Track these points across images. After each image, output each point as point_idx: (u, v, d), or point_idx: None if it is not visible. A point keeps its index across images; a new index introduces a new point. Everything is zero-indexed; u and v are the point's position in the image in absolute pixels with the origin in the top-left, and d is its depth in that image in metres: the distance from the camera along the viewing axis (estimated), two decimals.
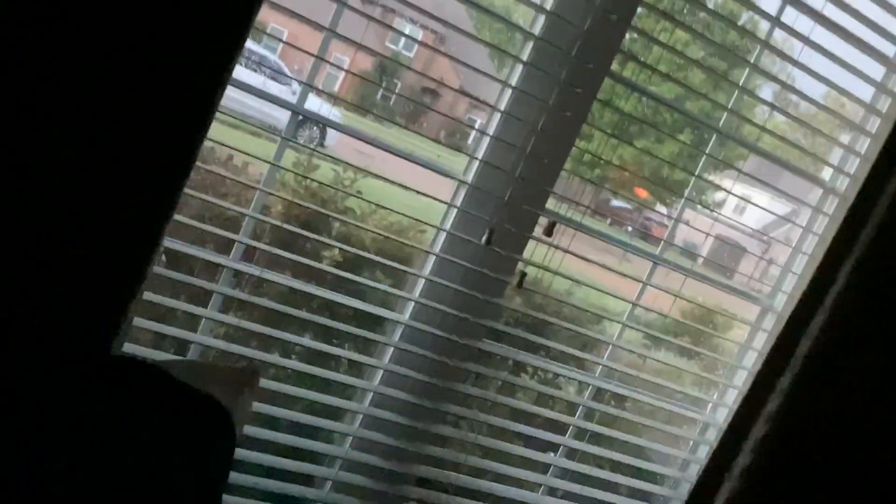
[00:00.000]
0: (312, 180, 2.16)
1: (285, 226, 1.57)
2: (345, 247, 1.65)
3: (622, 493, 1.96)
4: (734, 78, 1.77)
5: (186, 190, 1.18)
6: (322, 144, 2.68)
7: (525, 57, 1.57)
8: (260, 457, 1.58)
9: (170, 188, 1.12)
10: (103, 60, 1.06)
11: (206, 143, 1.18)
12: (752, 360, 1.96)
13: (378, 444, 1.66)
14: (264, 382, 1.53)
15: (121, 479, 0.90)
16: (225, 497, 1.13)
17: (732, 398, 1.97)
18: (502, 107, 1.58)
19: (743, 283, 2.22)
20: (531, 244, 1.67)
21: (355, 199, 2.19)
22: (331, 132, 2.60)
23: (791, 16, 1.69)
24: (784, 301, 1.94)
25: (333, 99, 2.06)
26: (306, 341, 1.69)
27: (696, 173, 1.80)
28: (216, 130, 1.22)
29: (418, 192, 1.56)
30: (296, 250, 1.56)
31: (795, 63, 1.72)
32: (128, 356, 1.28)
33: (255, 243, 1.53)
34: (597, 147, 1.69)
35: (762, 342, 1.95)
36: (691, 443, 2.01)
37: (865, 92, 1.85)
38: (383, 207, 1.72)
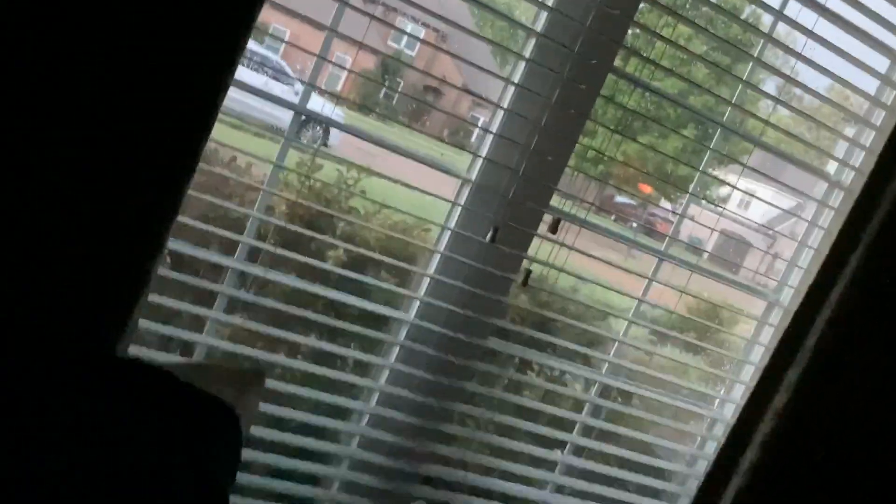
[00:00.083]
0: (316, 180, 2.16)
1: (290, 226, 1.57)
2: (349, 246, 1.65)
3: (630, 490, 1.95)
4: (737, 72, 1.76)
5: (190, 191, 1.18)
6: (325, 144, 2.68)
7: (527, 54, 1.56)
8: (267, 457, 1.59)
9: (173, 189, 1.12)
10: (105, 61, 1.06)
11: (210, 145, 1.18)
12: (758, 355, 1.95)
13: (385, 443, 1.66)
14: (270, 383, 1.52)
15: (120, 478, 0.90)
16: (233, 498, 1.13)
17: (740, 393, 1.97)
18: (505, 104, 1.58)
19: (749, 277, 2.22)
20: (536, 241, 1.66)
21: (359, 198, 2.19)
22: (334, 132, 2.60)
23: (794, 9, 1.68)
24: (790, 295, 1.93)
25: (336, 98, 2.06)
26: (312, 341, 1.69)
27: (701, 168, 1.79)
28: (219, 132, 1.22)
29: (422, 191, 1.56)
30: (300, 251, 1.55)
31: (799, 56, 1.71)
32: (133, 358, 1.28)
33: (259, 244, 1.53)
34: (600, 143, 1.69)
35: (769, 337, 1.94)
36: (699, 439, 2.01)
37: (870, 84, 1.84)
38: (387, 206, 1.72)
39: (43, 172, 1.07)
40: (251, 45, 1.17)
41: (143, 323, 1.40)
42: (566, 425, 1.87)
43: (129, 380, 1.05)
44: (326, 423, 1.64)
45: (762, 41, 1.72)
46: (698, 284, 1.93)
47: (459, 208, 1.61)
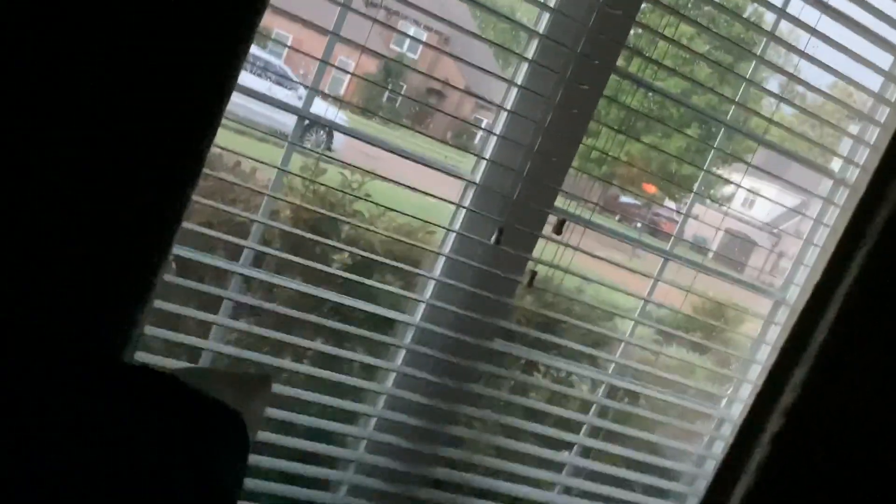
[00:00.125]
0: (320, 184, 2.16)
1: (294, 230, 1.57)
2: (354, 250, 1.65)
3: (638, 491, 1.95)
4: (740, 71, 1.76)
5: (195, 197, 1.19)
6: (329, 148, 2.68)
7: (530, 55, 1.56)
8: (274, 462, 1.59)
9: (178, 194, 1.12)
10: (109, 65, 1.06)
11: (214, 150, 1.18)
12: (765, 355, 1.95)
13: (392, 446, 1.66)
14: (277, 387, 1.53)
15: (119, 479, 0.90)
16: (241, 503, 1.13)
17: (747, 393, 1.96)
18: (508, 106, 1.58)
19: (754, 276, 2.21)
20: (541, 243, 1.66)
21: (363, 202, 2.19)
22: (338, 136, 2.60)
23: (797, 7, 1.68)
24: (797, 294, 1.93)
25: (339, 102, 2.06)
26: (318, 345, 1.69)
27: (705, 167, 1.79)
28: (223, 137, 1.22)
29: (426, 194, 1.56)
30: (305, 255, 1.55)
31: (802, 54, 1.71)
32: (139, 364, 1.29)
33: (264, 249, 1.53)
34: (604, 144, 1.69)
35: (775, 336, 1.94)
36: (707, 438, 2.00)
37: (874, 81, 1.84)
38: (392, 210, 1.72)
39: (48, 176, 1.07)
40: (255, 50, 1.18)
41: (150, 329, 1.40)
42: (573, 426, 1.86)
43: (132, 383, 1.06)
44: (333, 426, 1.64)
45: (765, 40, 1.72)
46: (703, 284, 1.92)
47: (464, 211, 1.61)
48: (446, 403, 1.67)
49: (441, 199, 1.59)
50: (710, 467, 1.97)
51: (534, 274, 1.65)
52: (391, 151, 1.55)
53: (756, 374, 1.95)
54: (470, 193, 1.61)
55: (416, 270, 1.67)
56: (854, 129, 1.91)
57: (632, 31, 1.60)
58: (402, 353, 1.65)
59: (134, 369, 1.13)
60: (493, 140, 1.60)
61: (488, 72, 1.60)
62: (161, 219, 1.13)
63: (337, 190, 2.19)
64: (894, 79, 1.83)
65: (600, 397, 1.86)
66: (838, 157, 1.90)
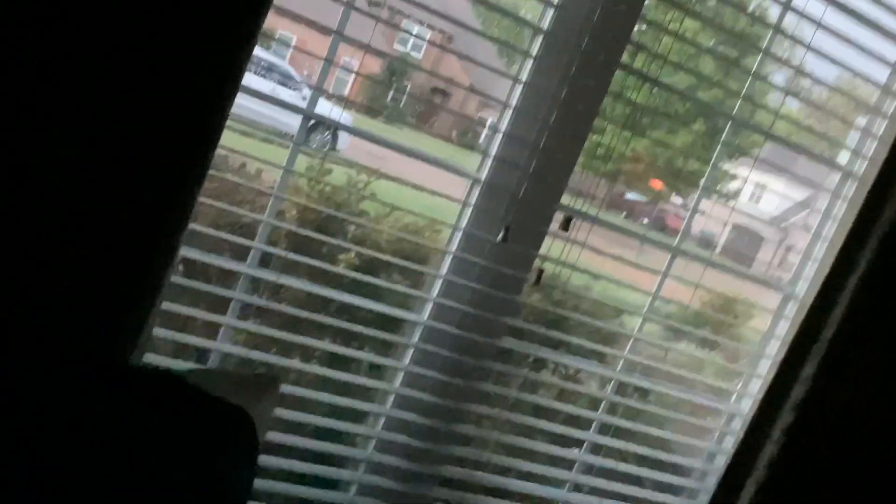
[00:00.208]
0: (326, 184, 2.16)
1: (301, 230, 1.57)
2: (361, 249, 1.65)
3: (648, 487, 1.94)
4: (745, 65, 1.75)
5: (201, 198, 1.19)
6: (334, 149, 2.68)
7: (534, 52, 1.56)
8: (284, 462, 1.59)
9: (184, 195, 1.12)
10: (112, 67, 1.06)
11: (220, 152, 1.18)
12: (774, 349, 1.94)
13: (402, 445, 1.66)
14: (286, 388, 1.53)
15: (118, 479, 0.90)
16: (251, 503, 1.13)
17: (757, 388, 1.95)
18: (513, 103, 1.57)
19: (762, 271, 2.21)
20: (547, 241, 1.66)
21: (369, 201, 2.19)
22: (342, 136, 2.60)
23: (801, 0, 1.67)
24: (805, 288, 1.92)
25: (344, 102, 2.07)
26: (326, 345, 1.70)
27: (711, 162, 1.78)
28: (228, 139, 1.22)
29: (432, 192, 1.56)
30: (312, 255, 1.56)
31: (807, 47, 1.70)
32: (147, 365, 1.29)
33: (271, 249, 1.53)
34: (609, 140, 1.68)
35: (784, 330, 1.93)
36: (717, 434, 1.99)
37: (880, 73, 1.83)
38: (398, 209, 1.72)
39: (57, 178, 1.07)
40: (259, 51, 1.18)
41: (157, 331, 1.41)
42: (582, 423, 1.86)
43: (136, 384, 1.06)
44: (343, 426, 1.64)
45: (769, 34, 1.71)
46: (711, 279, 1.92)
47: (470, 209, 1.61)
48: (455, 402, 1.67)
49: (447, 197, 1.58)
50: (721, 463, 1.96)
51: (541, 271, 1.65)
52: (396, 150, 1.55)
53: (765, 369, 1.95)
54: (476, 191, 1.61)
55: (424, 269, 1.67)
56: (861, 121, 1.90)
57: (636, 27, 1.59)
58: (410, 351, 1.65)
59: (139, 370, 1.13)
60: (498, 138, 1.59)
61: (493, 69, 1.60)
62: (167, 220, 1.13)
63: (343, 190, 2.19)
64: None
65: (610, 394, 1.85)
66: (846, 149, 1.89)
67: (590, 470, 1.87)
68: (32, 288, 1.09)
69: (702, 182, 1.81)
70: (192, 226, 1.28)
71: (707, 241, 2.49)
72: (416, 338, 1.65)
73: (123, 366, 1.16)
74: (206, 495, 0.98)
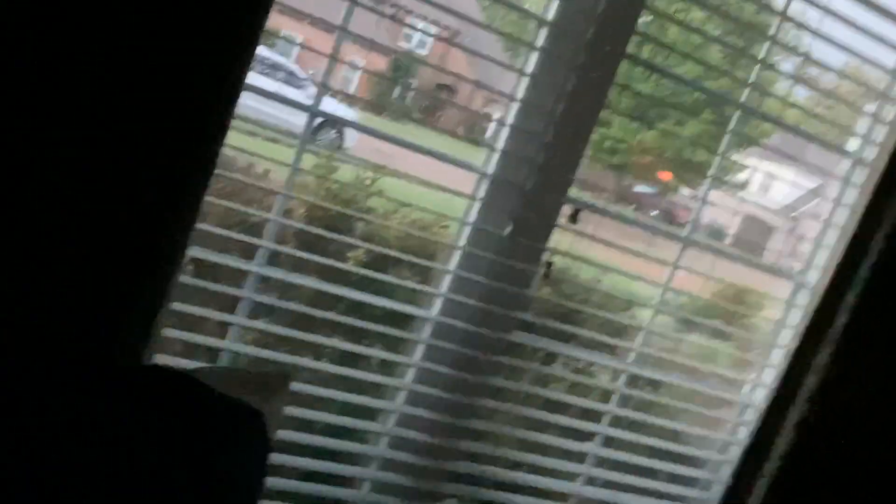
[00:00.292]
0: (334, 181, 2.16)
1: (309, 228, 1.57)
2: (370, 246, 1.64)
3: (662, 479, 1.94)
4: (753, 54, 1.74)
5: (209, 198, 1.19)
6: (341, 146, 2.69)
7: (539, 44, 1.55)
8: (296, 461, 1.59)
9: (191, 195, 1.12)
10: (115, 67, 1.07)
11: (227, 152, 1.19)
12: (787, 338, 1.93)
13: (414, 441, 1.66)
14: (297, 386, 1.53)
15: (118, 480, 0.90)
16: (263, 502, 1.13)
17: (770, 378, 1.94)
18: (519, 96, 1.57)
19: (773, 260, 2.19)
20: (556, 234, 1.65)
21: (377, 198, 2.19)
22: (349, 134, 2.60)
23: None
24: (817, 276, 1.91)
25: (350, 99, 2.07)
26: (336, 343, 1.69)
27: (720, 152, 1.77)
28: (235, 139, 1.22)
29: (440, 188, 1.56)
30: (320, 253, 1.55)
31: (815, 33, 1.69)
32: (158, 365, 1.29)
33: (280, 248, 1.53)
34: (617, 132, 1.67)
35: (797, 319, 1.92)
36: (730, 425, 1.98)
37: (888, 58, 1.82)
38: (406, 205, 1.71)
39: (55, 178, 1.08)
40: (265, 51, 1.18)
41: (168, 331, 1.41)
42: (594, 416, 1.85)
43: (143, 384, 1.06)
44: (354, 423, 1.64)
45: (776, 22, 1.70)
46: (722, 270, 1.91)
47: (478, 203, 1.60)
48: (466, 397, 1.66)
49: (454, 192, 1.58)
50: (735, 454, 1.95)
51: (550, 265, 1.64)
52: (403, 146, 1.54)
53: (778, 359, 1.93)
54: (483, 186, 1.60)
55: (432, 264, 1.67)
56: (870, 107, 1.88)
57: (642, 17, 1.58)
58: (421, 347, 1.65)
59: (148, 370, 1.14)
60: (504, 132, 1.59)
61: (498, 62, 1.59)
62: (170, 220, 1.13)
63: (350, 187, 2.20)
64: None
65: (622, 386, 1.84)
66: (856, 136, 1.87)
67: (602, 463, 1.86)
68: (34, 288, 1.10)
69: (710, 172, 1.80)
70: (201, 225, 1.28)
71: (717, 233, 2.48)
72: (426, 334, 1.65)
73: (133, 366, 1.16)
74: (205, 495, 0.98)
